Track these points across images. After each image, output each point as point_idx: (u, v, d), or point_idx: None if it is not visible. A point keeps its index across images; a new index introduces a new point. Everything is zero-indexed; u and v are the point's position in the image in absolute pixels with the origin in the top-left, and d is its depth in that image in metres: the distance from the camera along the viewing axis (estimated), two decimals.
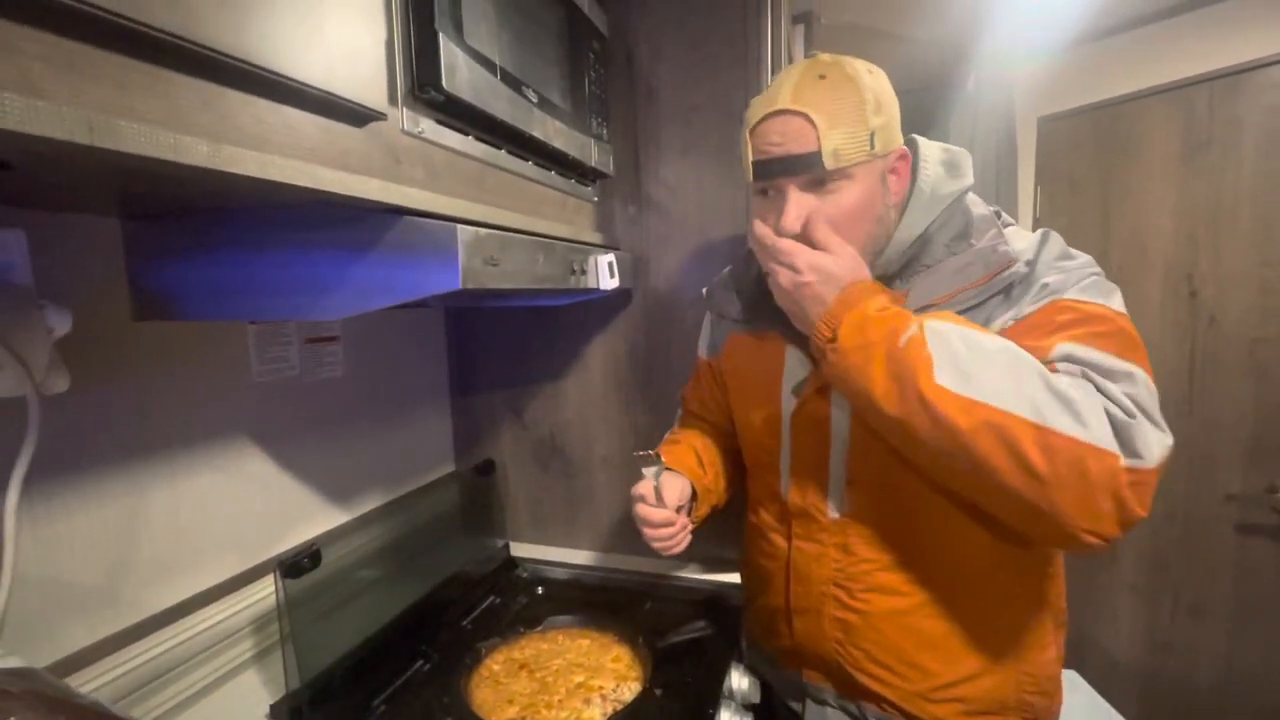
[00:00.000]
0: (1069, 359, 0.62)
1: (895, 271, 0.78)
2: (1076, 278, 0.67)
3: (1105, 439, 0.57)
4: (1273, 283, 1.53)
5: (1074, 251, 0.72)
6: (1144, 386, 0.61)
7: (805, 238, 0.72)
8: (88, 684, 0.70)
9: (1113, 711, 1.54)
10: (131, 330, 0.77)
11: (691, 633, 1.03)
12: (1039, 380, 0.59)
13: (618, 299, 1.29)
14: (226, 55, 0.44)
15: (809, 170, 0.70)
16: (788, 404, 0.83)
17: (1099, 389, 0.60)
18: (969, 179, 0.78)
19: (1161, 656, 1.69)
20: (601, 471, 1.37)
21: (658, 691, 0.91)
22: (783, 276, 0.71)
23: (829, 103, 0.69)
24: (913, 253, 0.77)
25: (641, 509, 0.82)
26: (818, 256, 0.70)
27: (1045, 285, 0.68)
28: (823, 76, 0.70)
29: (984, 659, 0.76)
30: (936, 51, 1.93)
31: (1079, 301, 0.66)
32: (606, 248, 1.09)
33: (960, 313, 0.70)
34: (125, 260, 0.76)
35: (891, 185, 0.75)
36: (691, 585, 1.22)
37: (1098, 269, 0.70)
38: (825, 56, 0.73)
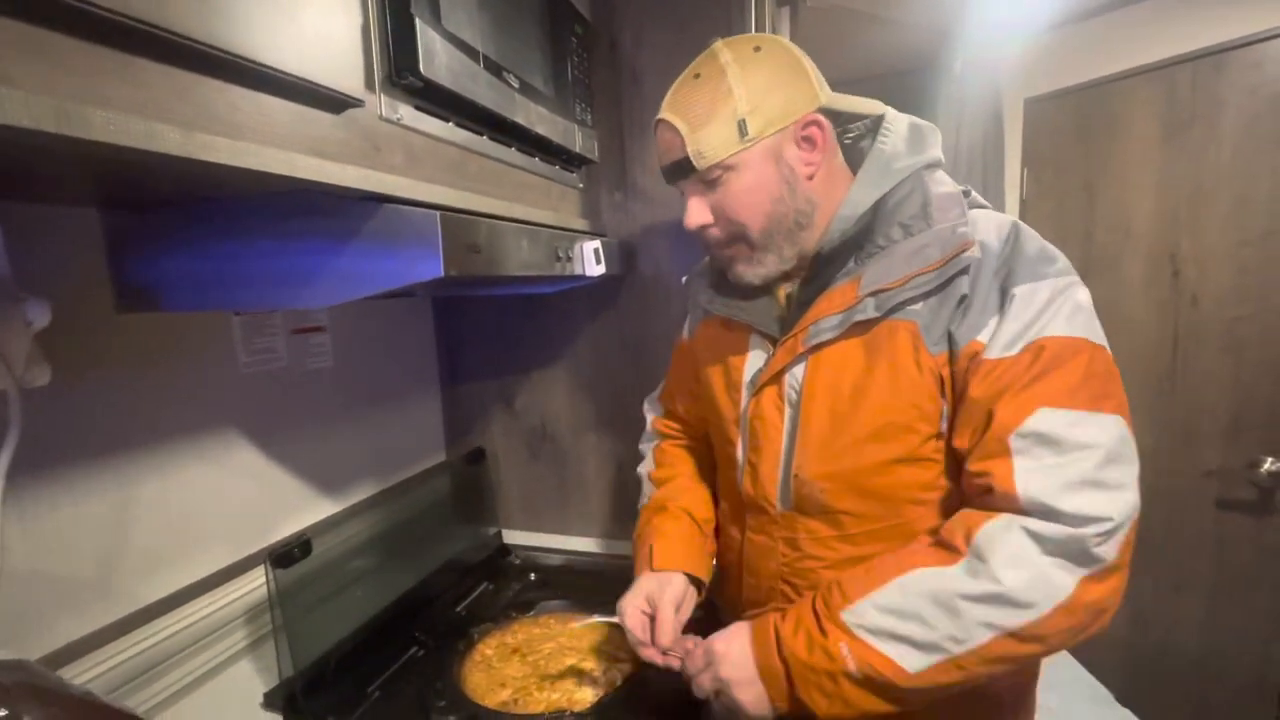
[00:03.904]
0: (1035, 436, 0.61)
1: (837, 247, 0.74)
2: (1060, 303, 0.64)
3: (1055, 593, 0.59)
4: (1251, 262, 1.54)
5: (1052, 250, 0.68)
6: (1102, 452, 0.60)
7: (713, 234, 0.76)
8: (80, 676, 0.71)
9: (1096, 683, 1.58)
10: (115, 322, 0.77)
11: None
12: (971, 603, 0.61)
13: (606, 286, 1.29)
14: (199, 42, 0.44)
15: (686, 175, 0.73)
16: (747, 395, 0.81)
17: (1055, 468, 0.60)
18: (931, 154, 0.74)
19: (1143, 629, 1.73)
20: (592, 458, 1.38)
21: (649, 673, 0.92)
22: (706, 685, 0.71)
23: (693, 104, 0.71)
24: (860, 227, 0.73)
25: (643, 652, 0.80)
26: (711, 649, 0.71)
27: (1014, 296, 0.64)
28: (698, 75, 0.72)
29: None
30: (922, 34, 1.92)
31: (1061, 338, 0.63)
32: (592, 234, 1.09)
33: (918, 299, 0.68)
34: (106, 252, 0.75)
35: (800, 156, 0.72)
36: None
37: (1074, 274, 0.67)
38: (718, 43, 0.72)
